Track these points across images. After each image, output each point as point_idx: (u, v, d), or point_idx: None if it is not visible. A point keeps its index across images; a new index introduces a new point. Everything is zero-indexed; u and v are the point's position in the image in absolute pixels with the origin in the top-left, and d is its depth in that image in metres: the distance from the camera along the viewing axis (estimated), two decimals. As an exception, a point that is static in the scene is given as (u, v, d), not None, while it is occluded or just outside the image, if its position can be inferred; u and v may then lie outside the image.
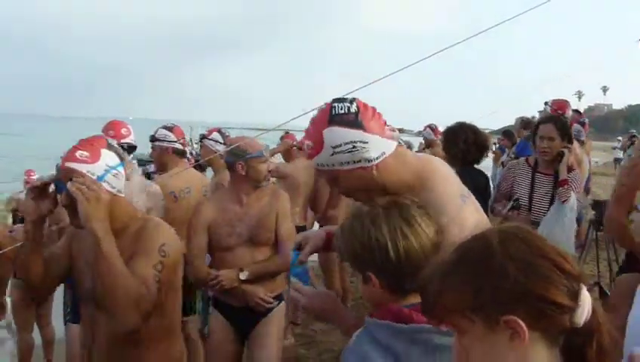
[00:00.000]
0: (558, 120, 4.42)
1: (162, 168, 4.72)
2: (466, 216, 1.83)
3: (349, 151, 1.80)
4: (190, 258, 3.57)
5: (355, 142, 1.80)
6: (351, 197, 2.03)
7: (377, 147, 1.82)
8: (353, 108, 1.83)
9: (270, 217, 3.69)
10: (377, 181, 1.85)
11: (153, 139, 4.68)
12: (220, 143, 4.81)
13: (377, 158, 1.82)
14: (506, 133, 9.59)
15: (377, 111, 1.88)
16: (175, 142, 4.63)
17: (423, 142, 9.18)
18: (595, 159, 40.56)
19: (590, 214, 5.62)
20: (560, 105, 5.77)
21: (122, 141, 3.86)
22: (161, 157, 4.71)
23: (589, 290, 1.10)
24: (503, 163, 9.00)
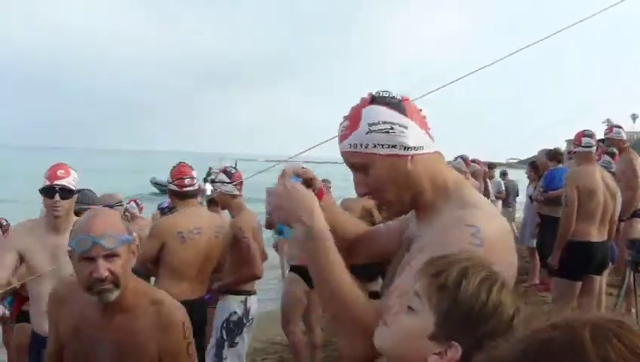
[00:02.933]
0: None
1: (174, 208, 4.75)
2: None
3: (386, 132, 1.65)
4: None
5: (393, 123, 1.66)
6: (377, 198, 1.79)
7: (417, 137, 1.68)
8: (398, 96, 1.73)
9: None
10: (410, 177, 1.69)
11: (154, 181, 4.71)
12: (227, 183, 4.74)
13: (415, 149, 1.68)
14: (533, 164, 9.29)
15: (426, 120, 1.76)
16: (170, 183, 4.59)
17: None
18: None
19: (626, 254, 5.35)
20: (576, 136, 5.58)
21: (56, 182, 3.70)
22: (171, 199, 4.76)
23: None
24: (531, 197, 8.81)
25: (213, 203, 5.52)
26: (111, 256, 2.12)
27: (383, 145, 1.66)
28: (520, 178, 10.57)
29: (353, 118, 1.71)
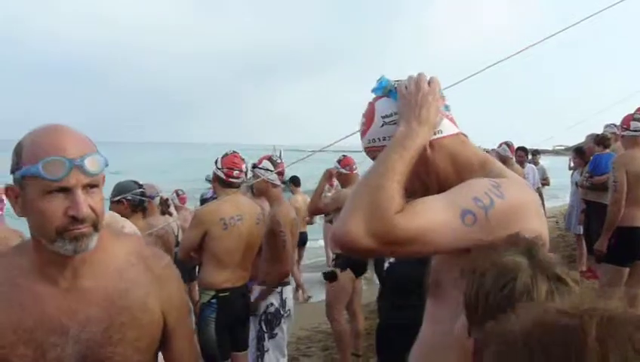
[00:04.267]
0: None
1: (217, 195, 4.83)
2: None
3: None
4: None
5: (397, 114, 1.66)
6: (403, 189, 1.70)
7: None
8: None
9: None
10: (431, 164, 1.66)
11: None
12: (271, 171, 4.78)
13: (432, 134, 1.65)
14: (578, 150, 9.06)
15: (445, 100, 1.73)
16: (220, 170, 4.61)
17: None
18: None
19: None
20: (625, 120, 5.45)
21: None
22: (212, 184, 4.85)
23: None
24: (577, 183, 8.67)
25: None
26: (91, 186, 1.55)
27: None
28: (563, 165, 10.41)
29: (368, 114, 1.73)
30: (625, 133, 5.43)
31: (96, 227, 1.56)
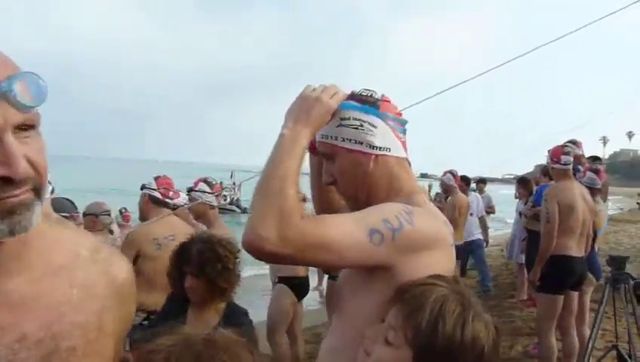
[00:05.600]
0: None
1: (143, 216, 4.74)
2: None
3: (355, 128, 1.71)
4: None
5: (363, 121, 1.71)
6: (338, 189, 1.83)
7: (385, 139, 1.73)
8: (377, 95, 1.77)
9: None
10: (370, 176, 1.73)
11: (142, 187, 4.70)
12: (208, 193, 4.76)
13: (380, 149, 1.72)
14: (521, 181, 9.21)
15: (403, 125, 1.80)
16: (155, 190, 4.57)
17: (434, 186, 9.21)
18: (620, 205, 40.20)
19: (607, 271, 5.33)
20: (555, 153, 5.61)
21: None
22: (141, 204, 4.73)
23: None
24: (520, 213, 8.82)
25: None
26: (24, 127, 0.97)
27: (350, 140, 1.71)
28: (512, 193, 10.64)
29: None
30: (555, 165, 5.57)
31: (38, 192, 1.00)
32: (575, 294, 5.53)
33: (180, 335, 1.23)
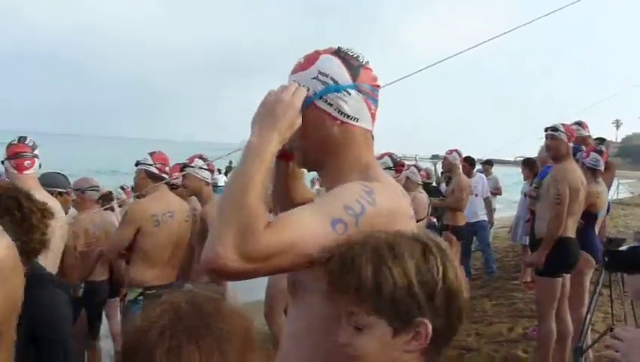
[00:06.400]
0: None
1: (138, 190, 4.76)
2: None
3: (328, 87, 1.64)
4: None
5: (339, 83, 1.65)
6: (290, 143, 1.67)
7: (355, 107, 1.66)
8: (363, 61, 1.71)
9: None
10: (330, 141, 1.67)
11: (137, 163, 4.68)
12: (205, 169, 4.75)
13: (348, 117, 1.66)
14: (525, 162, 9.20)
15: (377, 95, 1.73)
16: (151, 165, 4.56)
17: (441, 166, 9.19)
18: (632, 189, 39.68)
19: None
20: (568, 130, 5.49)
21: None
22: (137, 180, 4.72)
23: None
24: (525, 193, 8.76)
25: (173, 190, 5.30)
26: None
27: (320, 97, 1.64)
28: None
29: (309, 59, 1.70)
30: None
31: None
32: (567, 277, 5.51)
33: (166, 304, 1.25)
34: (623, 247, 4.06)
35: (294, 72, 1.70)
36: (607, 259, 4.19)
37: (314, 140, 1.68)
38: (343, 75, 1.66)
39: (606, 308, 6.11)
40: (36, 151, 3.88)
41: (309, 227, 1.42)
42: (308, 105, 1.63)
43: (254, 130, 1.55)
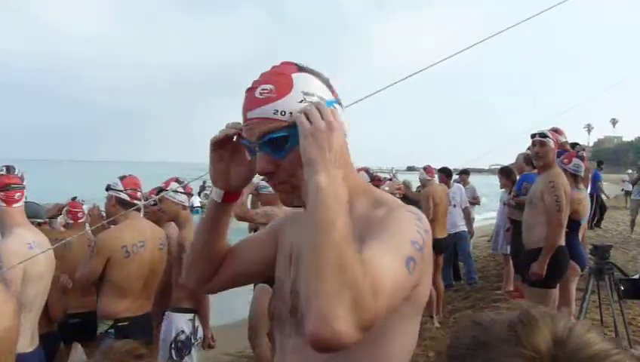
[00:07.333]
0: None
1: (107, 217, 4.43)
2: None
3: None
4: None
5: (324, 99, 1.45)
6: (282, 179, 1.51)
7: (343, 124, 1.46)
8: (325, 75, 1.53)
9: None
10: None
11: (107, 188, 4.42)
12: (181, 193, 4.59)
13: (345, 135, 1.47)
14: (503, 171, 9.09)
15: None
16: (121, 191, 4.33)
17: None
18: (606, 192, 40.22)
19: (592, 260, 5.18)
20: (554, 136, 5.44)
21: None
22: (108, 207, 4.44)
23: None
24: (504, 203, 8.72)
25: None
26: None
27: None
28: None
29: (282, 82, 1.45)
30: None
31: None
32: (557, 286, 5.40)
33: None
34: (635, 276, 4.11)
35: (268, 101, 1.44)
36: (622, 288, 4.19)
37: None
38: (325, 91, 1.49)
39: (592, 315, 6.07)
40: (25, 182, 3.65)
41: (395, 275, 1.26)
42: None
43: (318, 168, 1.32)
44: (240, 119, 1.52)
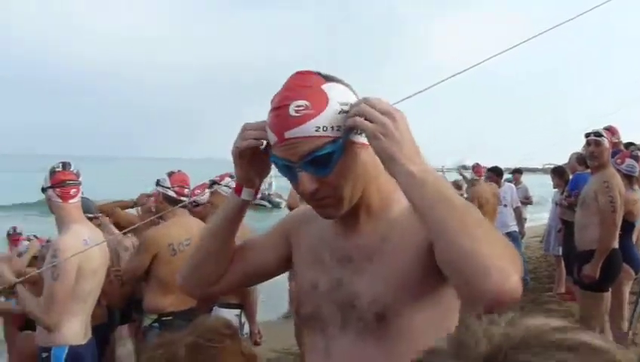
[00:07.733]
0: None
1: (160, 216, 4.47)
2: None
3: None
4: None
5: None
6: (329, 196, 1.45)
7: None
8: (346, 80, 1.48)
9: None
10: (367, 170, 1.45)
11: (157, 183, 4.48)
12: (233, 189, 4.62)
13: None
14: (555, 171, 8.95)
15: None
16: (169, 188, 4.38)
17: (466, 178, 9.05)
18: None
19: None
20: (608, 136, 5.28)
21: None
22: (157, 204, 4.52)
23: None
24: (557, 202, 8.53)
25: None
26: None
27: (354, 130, 1.39)
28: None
29: (316, 97, 1.38)
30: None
31: None
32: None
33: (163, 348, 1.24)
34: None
35: (308, 117, 1.36)
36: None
37: (356, 179, 1.45)
38: (352, 96, 1.44)
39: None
40: (80, 178, 3.73)
41: None
42: (345, 142, 1.39)
43: (402, 163, 1.32)
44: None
